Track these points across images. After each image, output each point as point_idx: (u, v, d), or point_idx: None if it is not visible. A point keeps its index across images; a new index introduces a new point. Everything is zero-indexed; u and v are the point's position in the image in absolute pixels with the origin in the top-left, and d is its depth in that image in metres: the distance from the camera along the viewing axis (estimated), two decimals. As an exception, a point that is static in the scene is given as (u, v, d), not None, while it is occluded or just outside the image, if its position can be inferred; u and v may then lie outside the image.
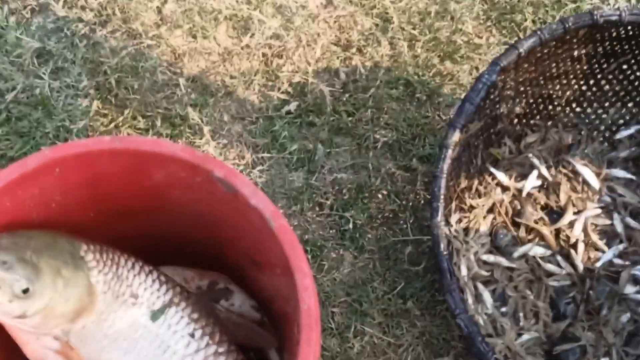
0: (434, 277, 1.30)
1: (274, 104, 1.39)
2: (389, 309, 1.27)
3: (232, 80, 1.40)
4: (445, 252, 1.03)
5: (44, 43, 1.39)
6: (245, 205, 0.92)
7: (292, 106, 1.39)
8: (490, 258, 1.22)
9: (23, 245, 0.90)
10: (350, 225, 1.32)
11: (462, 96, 1.38)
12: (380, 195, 1.35)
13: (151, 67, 1.37)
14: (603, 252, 1.26)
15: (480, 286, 1.17)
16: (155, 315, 1.00)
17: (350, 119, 1.40)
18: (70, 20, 1.41)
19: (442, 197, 1.05)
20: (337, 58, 1.45)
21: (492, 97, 1.17)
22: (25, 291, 0.88)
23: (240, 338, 1.08)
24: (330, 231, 1.32)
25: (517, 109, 1.29)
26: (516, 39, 1.51)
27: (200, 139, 1.34)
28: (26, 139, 1.33)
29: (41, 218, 0.98)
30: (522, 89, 1.26)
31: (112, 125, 1.32)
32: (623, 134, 1.34)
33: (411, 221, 1.34)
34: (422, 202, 1.35)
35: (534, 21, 1.52)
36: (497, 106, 1.23)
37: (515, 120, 1.31)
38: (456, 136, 1.11)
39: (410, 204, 1.35)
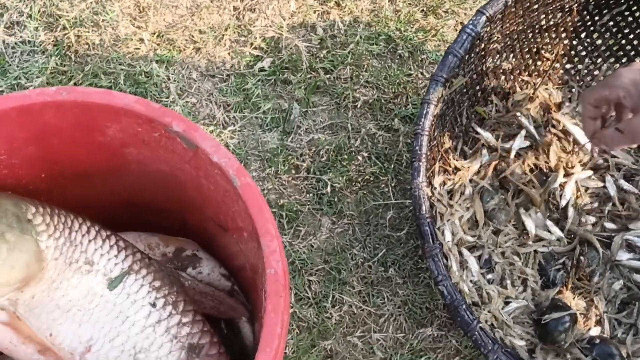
0: (416, 243, 1.22)
1: (246, 61, 1.30)
2: (369, 277, 1.20)
3: (201, 35, 1.30)
4: (427, 215, 0.96)
5: (-2, -5, 1.29)
6: (208, 162, 0.84)
7: (266, 63, 1.30)
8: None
9: (-39, 207, 0.82)
10: (329, 189, 1.24)
11: (447, 52, 1.30)
12: (360, 158, 1.27)
13: (113, 20, 1.28)
14: (595, 216, 1.19)
15: (465, 252, 1.10)
16: (112, 284, 0.92)
17: (328, 76, 1.31)
18: (26, -29, 1.31)
19: (423, 156, 0.97)
20: (314, 12, 1.36)
21: (477, 50, 1.09)
22: (-36, 257, 0.80)
23: (208, 308, 1.00)
24: (307, 195, 1.24)
25: (505, 65, 1.21)
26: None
27: (167, 97, 1.25)
28: (-21, 98, 1.23)
29: (-16, 179, 0.90)
30: (509, 42, 1.18)
31: (71, 83, 1.22)
32: (616, 91, 1.26)
33: (393, 184, 1.26)
34: (405, 164, 1.28)
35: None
36: (483, 60, 1.15)
37: (503, 77, 1.23)
38: (439, 91, 1.02)
39: (392, 166, 1.27)
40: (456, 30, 1.40)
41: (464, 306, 0.93)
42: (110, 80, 1.23)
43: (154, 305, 0.93)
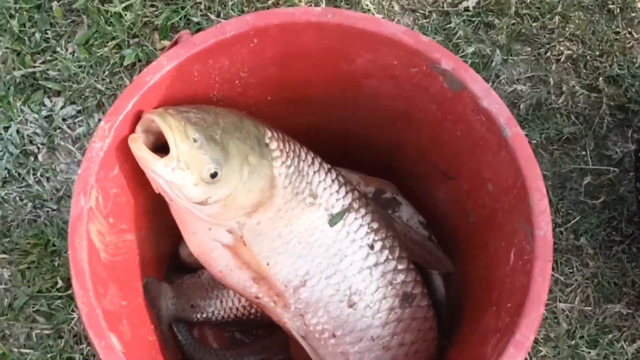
0: (612, 214, 1.15)
1: (451, -2, 1.22)
2: (559, 244, 1.14)
3: (406, -34, 1.23)
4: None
5: None
6: (471, 106, 0.78)
7: (471, 2, 1.22)
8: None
9: (212, 122, 0.78)
10: (524, 145, 1.17)
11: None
12: (559, 115, 1.20)
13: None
14: None
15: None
16: (333, 220, 0.88)
17: (534, 24, 1.23)
18: None
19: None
20: (525, -47, 1.26)
21: None
22: (213, 175, 0.76)
23: (416, 256, 0.96)
24: (501, 149, 1.17)
25: None
26: None
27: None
28: (174, 7, 1.19)
29: (221, 95, 0.85)
30: None
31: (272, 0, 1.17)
32: None
33: (591, 148, 1.19)
34: (606, 128, 1.20)
35: None
36: None
37: None
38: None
39: (593, 129, 1.19)
40: (672, -10, 1.29)
41: None
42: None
43: (371, 247, 0.89)
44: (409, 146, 0.96)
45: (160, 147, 0.76)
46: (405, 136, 0.94)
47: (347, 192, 0.89)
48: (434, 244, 1.02)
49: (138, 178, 0.80)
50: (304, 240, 0.87)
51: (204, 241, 0.85)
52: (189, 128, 0.75)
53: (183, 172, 0.75)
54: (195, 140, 0.75)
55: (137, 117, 0.75)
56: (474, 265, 0.91)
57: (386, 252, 0.90)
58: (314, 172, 0.88)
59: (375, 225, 0.90)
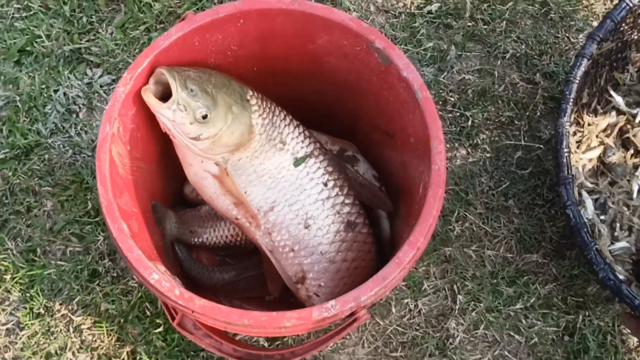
0: (537, 182, 1.41)
1: (418, 2, 1.50)
2: (490, 203, 1.40)
3: (383, -25, 1.51)
4: (565, 150, 1.14)
5: None
6: (396, 76, 1.06)
7: (434, 7, 1.50)
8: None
9: (206, 79, 1.06)
10: (469, 123, 1.44)
11: (594, 23, 1.46)
12: (500, 102, 1.46)
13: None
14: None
15: (584, 193, 1.28)
16: (297, 162, 1.15)
17: (485, 27, 1.50)
18: None
19: (571, 100, 1.16)
20: (482, -31, 1.53)
21: (628, 21, 1.25)
22: (204, 117, 1.04)
23: (363, 197, 1.23)
24: (450, 126, 1.44)
25: (648, 40, 1.36)
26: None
27: (346, 23, 1.46)
28: (199, 3, 1.49)
29: (216, 63, 1.14)
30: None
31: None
32: None
33: (525, 129, 1.45)
34: (539, 114, 1.46)
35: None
36: (630, 32, 1.30)
37: (643, 50, 1.38)
38: (593, 48, 1.19)
39: (527, 113, 1.45)
40: (605, 5, 1.54)
41: (585, 229, 1.12)
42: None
43: (325, 184, 1.17)
44: (362, 113, 1.24)
45: (166, 97, 1.05)
46: (358, 105, 1.22)
47: (309, 143, 1.17)
48: (378, 188, 1.29)
49: (150, 123, 1.09)
50: (273, 176, 1.15)
51: (197, 171, 1.13)
52: (188, 81, 1.03)
53: (182, 113, 1.03)
54: (192, 90, 1.03)
55: (151, 71, 1.04)
56: (404, 202, 1.18)
57: (337, 189, 1.17)
58: (285, 125, 1.16)
59: (330, 169, 1.17)
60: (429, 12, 1.49)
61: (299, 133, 1.17)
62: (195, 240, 1.30)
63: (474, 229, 1.38)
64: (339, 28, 1.07)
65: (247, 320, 0.91)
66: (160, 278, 0.95)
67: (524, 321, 1.32)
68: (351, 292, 0.95)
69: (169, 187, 1.29)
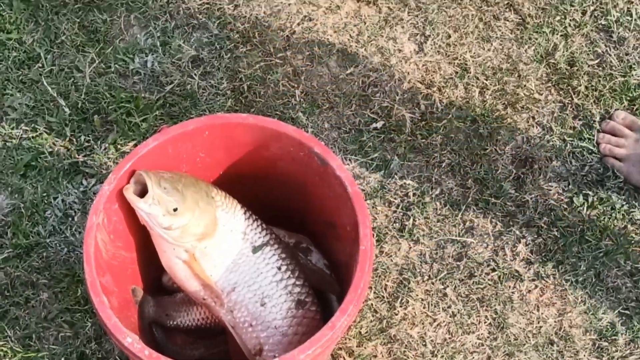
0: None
1: (365, 120, 1.77)
2: (431, 289, 1.60)
3: (335, 98, 1.79)
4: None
5: (198, 52, 1.83)
6: (332, 175, 1.29)
7: (379, 124, 1.76)
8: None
9: (177, 179, 1.29)
10: (410, 222, 1.66)
11: (518, 137, 1.72)
12: (438, 203, 1.70)
13: (275, 79, 1.79)
14: None
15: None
16: (255, 249, 1.36)
17: (423, 140, 1.76)
18: (220, 38, 1.85)
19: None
20: (420, 93, 1.81)
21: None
22: (175, 210, 1.26)
23: (314, 281, 1.43)
24: (394, 224, 1.67)
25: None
26: (569, 98, 1.83)
27: (304, 138, 1.73)
28: (176, 120, 1.76)
29: (188, 168, 1.38)
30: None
31: (240, 119, 1.73)
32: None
33: (460, 227, 1.67)
34: (472, 213, 1.69)
35: (586, 87, 1.84)
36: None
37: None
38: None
39: (461, 211, 1.68)
40: (527, 122, 1.81)
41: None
42: (267, 121, 1.73)
43: (279, 268, 1.36)
44: (310, 208, 1.46)
45: (144, 194, 1.27)
46: (306, 201, 1.45)
47: (266, 234, 1.39)
48: (328, 275, 1.49)
49: (131, 218, 1.31)
50: (234, 261, 1.35)
51: (170, 257, 1.33)
52: (162, 181, 1.26)
53: (156, 207, 1.26)
54: (165, 188, 1.26)
55: (132, 173, 1.27)
56: (346, 283, 1.38)
57: (289, 272, 1.37)
58: (245, 218, 1.38)
59: (283, 255, 1.38)
60: (375, 128, 1.76)
61: (257, 225, 1.39)
62: (171, 322, 1.49)
63: (416, 312, 1.58)
64: (285, 137, 1.32)
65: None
66: (132, 341, 1.14)
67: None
68: (292, 352, 1.14)
69: (148, 274, 1.50)
